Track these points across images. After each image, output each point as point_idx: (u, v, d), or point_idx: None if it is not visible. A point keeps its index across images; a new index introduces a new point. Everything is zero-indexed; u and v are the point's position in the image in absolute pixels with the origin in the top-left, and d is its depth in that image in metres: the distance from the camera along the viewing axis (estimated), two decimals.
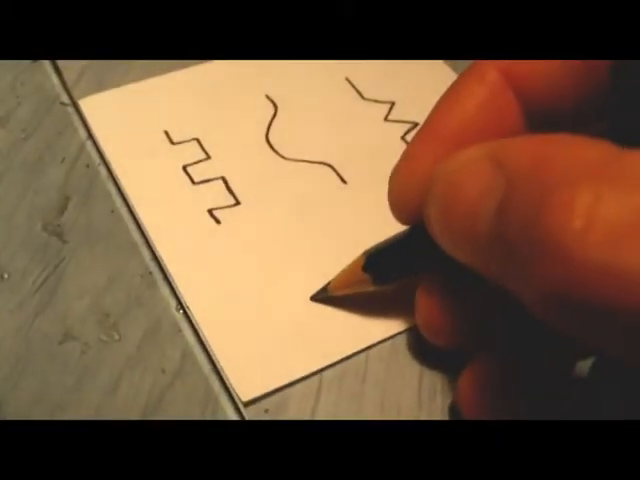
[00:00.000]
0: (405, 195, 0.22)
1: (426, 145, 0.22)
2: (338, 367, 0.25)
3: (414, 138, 0.23)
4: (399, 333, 0.25)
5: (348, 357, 0.25)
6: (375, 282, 0.24)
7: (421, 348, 0.25)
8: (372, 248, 0.24)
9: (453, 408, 0.24)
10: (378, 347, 0.25)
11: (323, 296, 0.26)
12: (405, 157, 0.23)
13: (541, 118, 0.22)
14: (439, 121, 0.22)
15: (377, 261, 0.24)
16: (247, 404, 0.23)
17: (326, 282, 0.25)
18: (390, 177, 0.23)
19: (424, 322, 0.23)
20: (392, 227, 0.27)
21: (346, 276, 0.25)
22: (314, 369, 0.24)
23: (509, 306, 0.21)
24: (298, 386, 0.24)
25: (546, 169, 0.16)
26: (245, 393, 0.23)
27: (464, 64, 0.34)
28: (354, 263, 0.24)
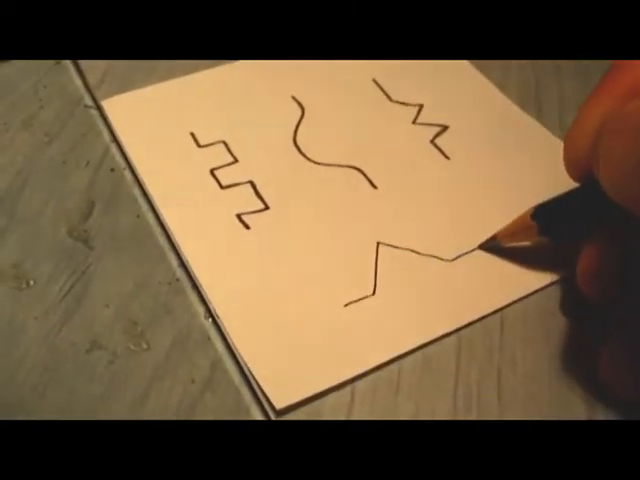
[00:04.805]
0: (578, 150, 0.23)
1: (601, 102, 0.23)
2: (371, 378, 0.24)
3: (590, 95, 0.24)
4: (432, 342, 0.25)
5: (381, 366, 0.24)
6: (540, 232, 0.25)
7: (455, 358, 0.24)
8: (543, 202, 0.25)
9: (489, 418, 0.23)
10: (411, 358, 0.24)
11: (492, 245, 0.27)
12: (580, 114, 0.24)
13: None
14: (614, 79, 0.23)
15: (545, 212, 0.25)
16: (279, 414, 0.23)
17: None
18: (565, 134, 0.24)
19: (585, 273, 0.24)
20: (423, 232, 0.27)
21: (515, 224, 0.26)
22: (349, 376, 0.24)
23: None
24: (330, 398, 0.23)
25: None
26: (278, 400, 0.23)
27: (492, 66, 0.34)
28: (524, 213, 0.26)
